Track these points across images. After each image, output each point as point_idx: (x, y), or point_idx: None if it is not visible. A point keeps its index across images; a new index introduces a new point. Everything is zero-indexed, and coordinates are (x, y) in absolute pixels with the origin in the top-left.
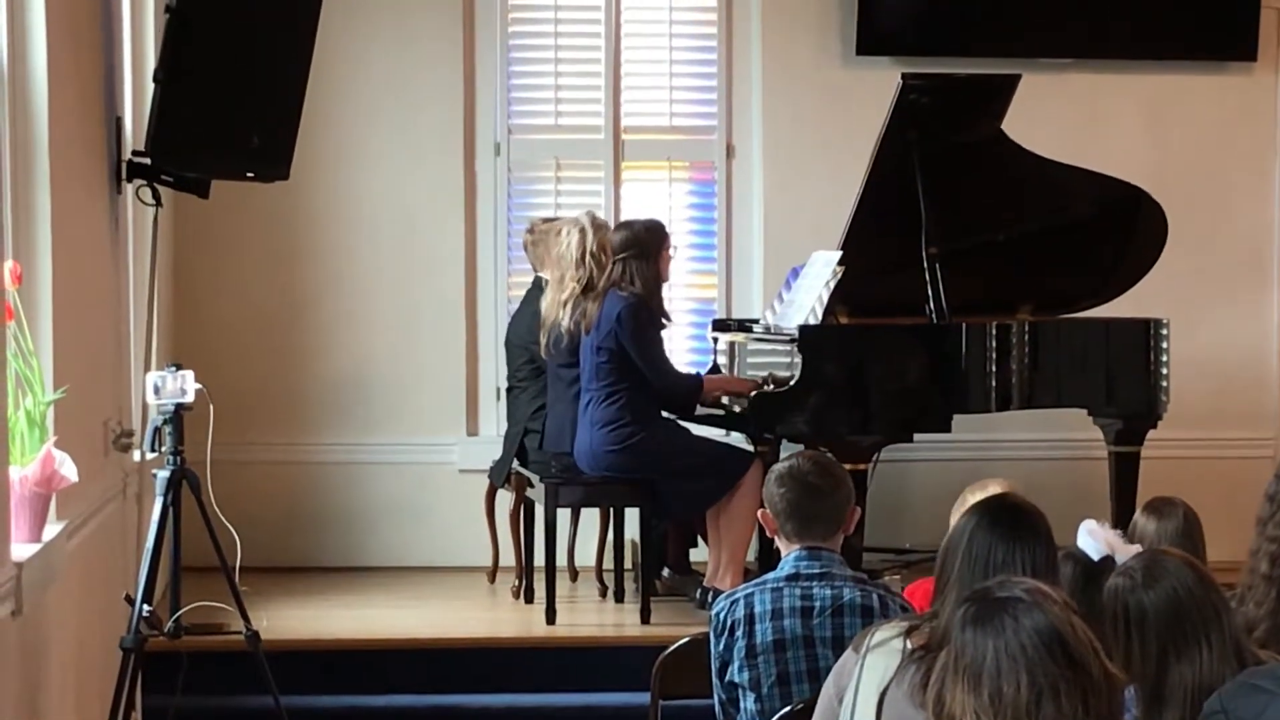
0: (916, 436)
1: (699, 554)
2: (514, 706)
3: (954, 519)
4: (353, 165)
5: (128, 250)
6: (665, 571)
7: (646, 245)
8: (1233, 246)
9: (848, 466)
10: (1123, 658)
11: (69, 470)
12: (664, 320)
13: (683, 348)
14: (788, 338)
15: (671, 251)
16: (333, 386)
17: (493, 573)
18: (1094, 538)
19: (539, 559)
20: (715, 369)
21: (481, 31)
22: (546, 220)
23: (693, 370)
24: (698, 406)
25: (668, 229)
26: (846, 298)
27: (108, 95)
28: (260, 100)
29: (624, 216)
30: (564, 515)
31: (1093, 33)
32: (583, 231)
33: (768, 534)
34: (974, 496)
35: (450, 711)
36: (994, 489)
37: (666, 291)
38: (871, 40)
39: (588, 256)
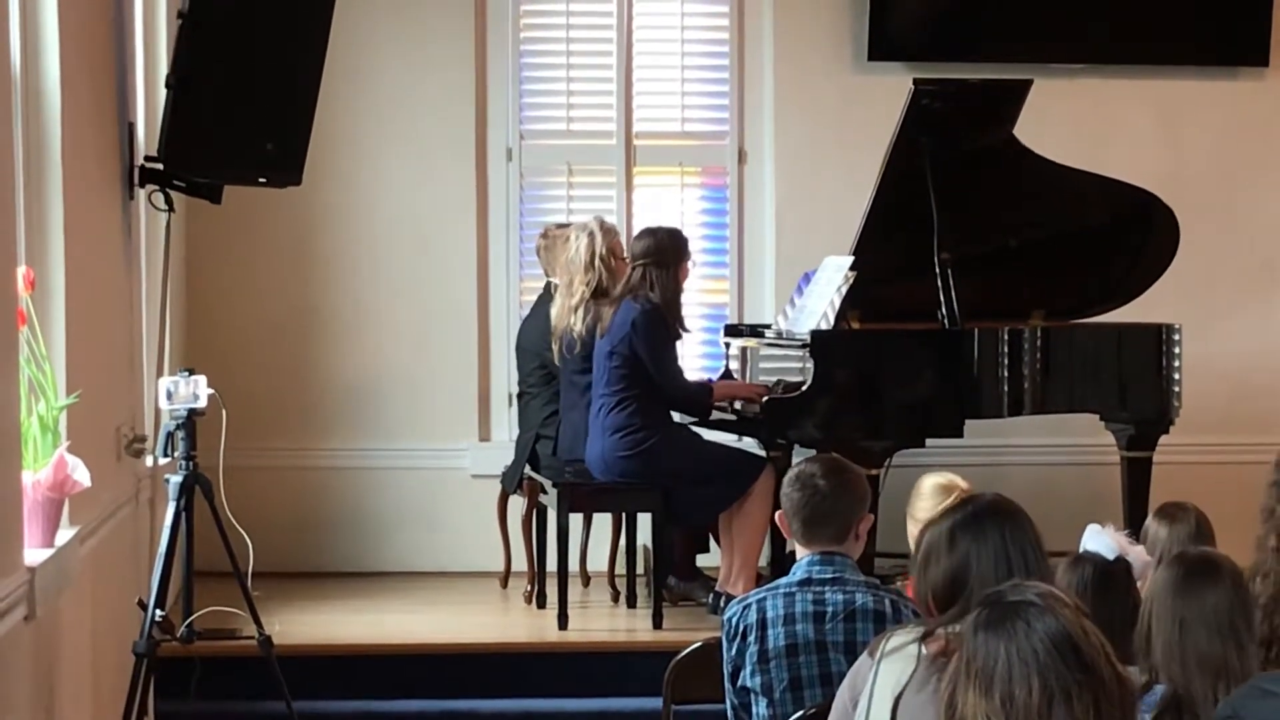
0: (929, 442)
1: (707, 559)
2: (526, 711)
3: (910, 522)
4: (365, 171)
5: (140, 256)
6: (671, 580)
7: (667, 254)
8: (1245, 251)
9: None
10: None
11: (82, 475)
12: (681, 330)
13: (695, 353)
14: (800, 343)
15: (690, 264)
16: (345, 392)
17: (505, 578)
18: (1105, 537)
19: (551, 564)
20: (727, 374)
21: (493, 37)
22: (560, 226)
23: (704, 377)
24: (711, 411)
25: (688, 239)
26: (858, 303)
27: (120, 101)
28: (273, 106)
29: (636, 222)
30: (576, 520)
31: (1105, 38)
32: (591, 236)
33: (785, 536)
34: (917, 500)
35: (462, 716)
36: (932, 480)
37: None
38: (883, 46)
39: (597, 260)
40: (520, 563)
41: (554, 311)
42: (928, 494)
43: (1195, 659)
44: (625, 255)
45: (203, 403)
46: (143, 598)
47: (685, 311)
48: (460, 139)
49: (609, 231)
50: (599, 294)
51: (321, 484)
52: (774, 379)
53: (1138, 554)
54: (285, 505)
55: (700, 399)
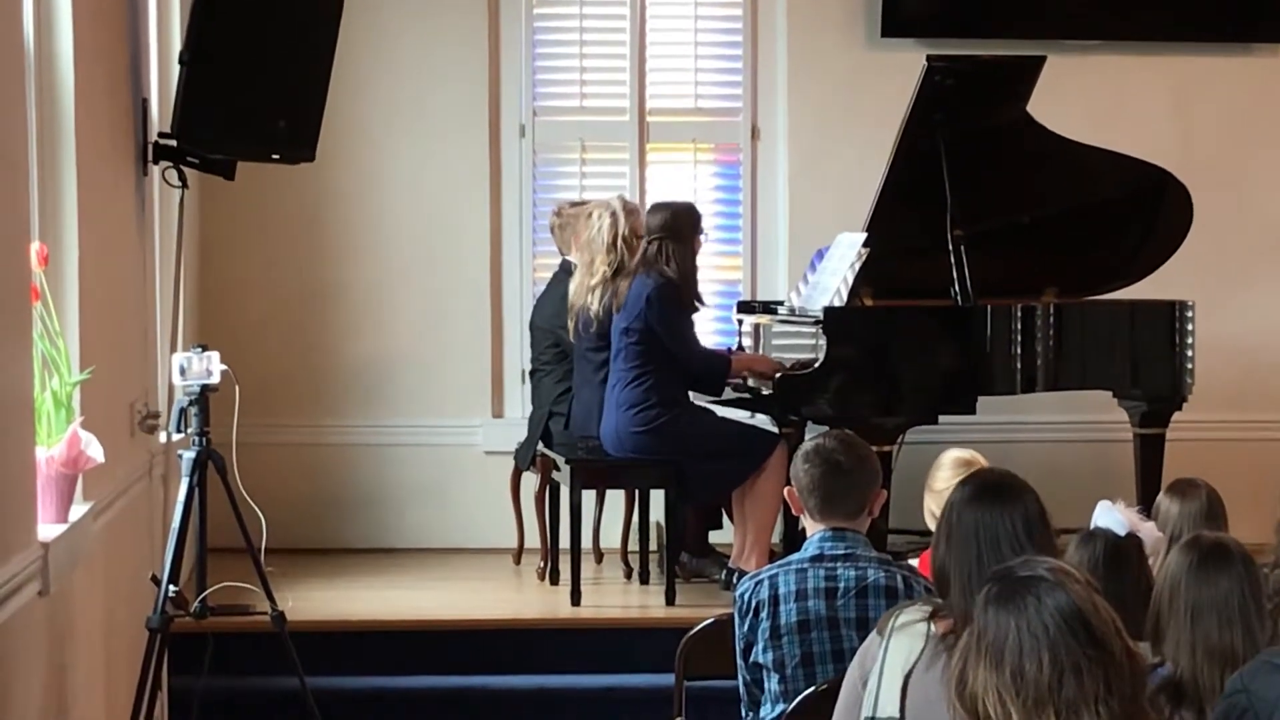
0: (941, 418)
1: (720, 536)
2: (539, 688)
3: (928, 500)
4: (378, 147)
5: (154, 232)
6: (683, 557)
7: (683, 228)
8: (1259, 228)
9: (873, 448)
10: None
11: (95, 451)
12: (698, 304)
13: (708, 329)
14: (813, 320)
15: (703, 237)
16: (358, 368)
17: (518, 554)
18: (1116, 513)
19: (564, 541)
20: (740, 351)
21: (506, 13)
22: (574, 204)
23: (720, 349)
24: (726, 387)
25: (700, 213)
26: (871, 279)
27: (134, 77)
28: (285, 82)
29: (649, 199)
30: (589, 497)
31: (1119, 14)
32: (614, 215)
33: (794, 513)
34: (936, 474)
35: (475, 693)
36: (954, 454)
37: None
38: (896, 22)
39: (619, 241)
40: (533, 539)
41: (572, 288)
42: (948, 466)
43: (1205, 647)
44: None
45: (216, 379)
46: (156, 573)
47: (699, 288)
48: (473, 115)
49: (631, 211)
50: (619, 273)
51: (335, 460)
52: (791, 357)
53: (1149, 530)
54: (298, 481)
55: (718, 369)
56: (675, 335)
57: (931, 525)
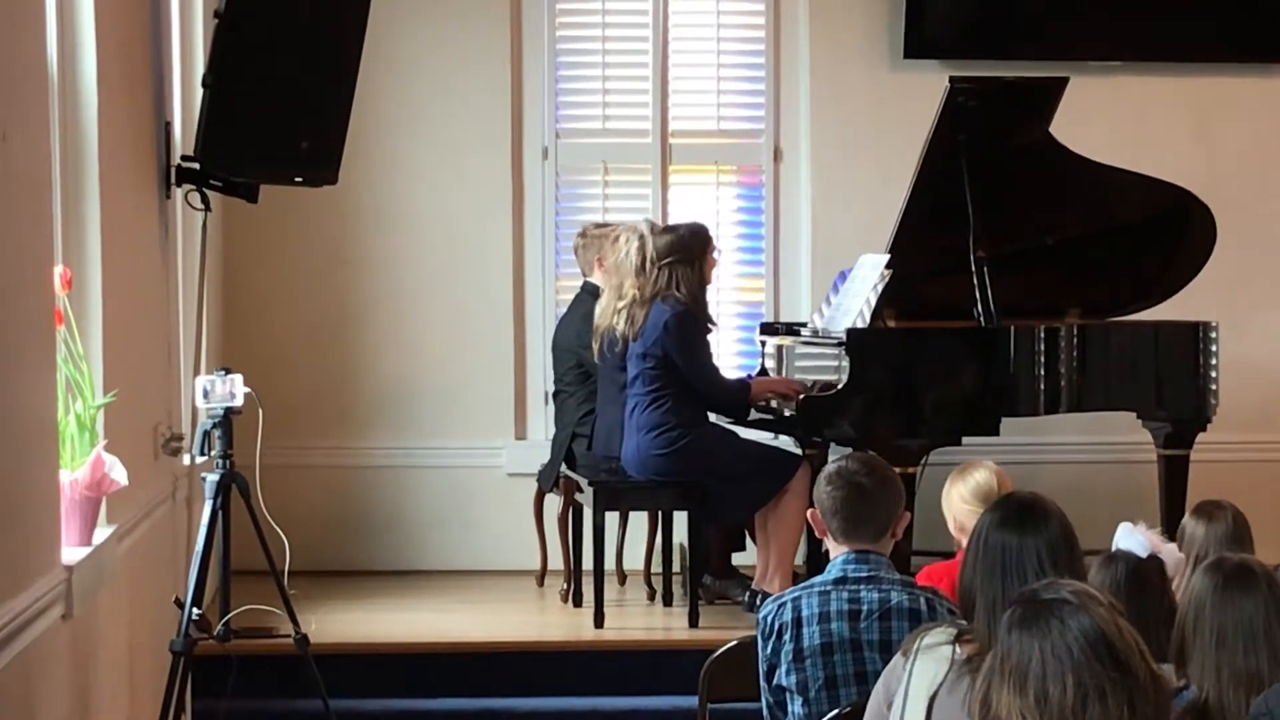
0: (965, 440)
1: (743, 558)
2: (562, 710)
3: (945, 506)
4: (401, 170)
5: (177, 255)
6: (706, 579)
7: (691, 250)
8: None
9: (896, 470)
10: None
11: (119, 474)
12: (710, 325)
13: (731, 351)
14: (835, 341)
15: (716, 254)
16: (381, 390)
17: (541, 576)
18: (1137, 535)
19: (587, 563)
20: (763, 373)
21: (529, 35)
22: (598, 225)
23: (740, 374)
24: (750, 410)
25: (711, 231)
26: (894, 301)
27: (157, 100)
28: (308, 105)
29: (672, 220)
30: (612, 519)
31: (1142, 35)
32: (642, 239)
33: (817, 535)
34: (957, 485)
35: (498, 715)
36: (978, 478)
37: (713, 294)
38: (919, 43)
39: (648, 264)
40: (556, 561)
41: (599, 310)
42: (969, 488)
43: (1231, 670)
44: None
45: (239, 401)
46: (180, 596)
47: (720, 309)
48: (496, 137)
49: (659, 234)
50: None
51: (358, 483)
52: (812, 378)
53: (1170, 552)
54: (321, 504)
55: (738, 397)
56: (693, 364)
57: (954, 531)
